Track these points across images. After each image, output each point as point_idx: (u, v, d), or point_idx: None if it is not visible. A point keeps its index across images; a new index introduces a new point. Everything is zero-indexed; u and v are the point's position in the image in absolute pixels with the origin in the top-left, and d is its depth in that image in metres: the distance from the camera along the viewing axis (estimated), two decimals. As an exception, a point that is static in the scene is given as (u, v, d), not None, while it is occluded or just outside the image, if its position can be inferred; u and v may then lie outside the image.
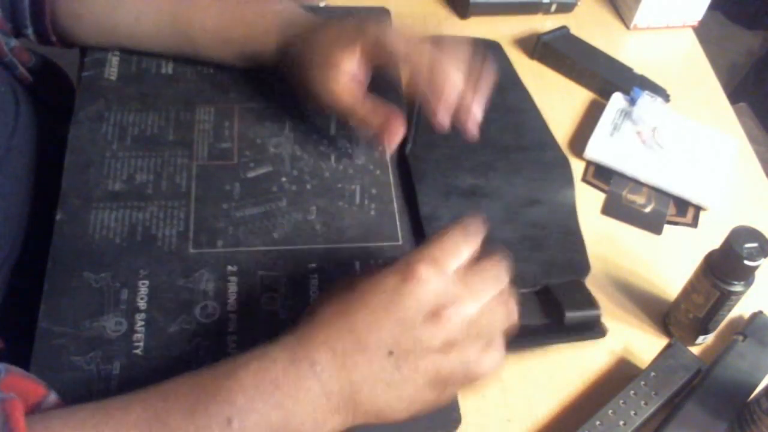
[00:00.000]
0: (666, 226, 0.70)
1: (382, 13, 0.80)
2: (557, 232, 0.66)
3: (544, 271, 0.62)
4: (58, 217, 0.59)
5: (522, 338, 0.56)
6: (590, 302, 0.59)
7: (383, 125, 0.60)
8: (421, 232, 0.63)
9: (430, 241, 0.48)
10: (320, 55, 0.61)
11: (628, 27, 0.87)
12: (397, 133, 0.59)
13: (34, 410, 0.44)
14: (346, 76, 0.60)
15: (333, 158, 0.66)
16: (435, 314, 0.45)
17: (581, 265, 0.64)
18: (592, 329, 0.59)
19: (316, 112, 0.65)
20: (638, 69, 0.80)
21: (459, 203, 0.66)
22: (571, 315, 0.58)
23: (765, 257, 0.54)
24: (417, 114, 0.73)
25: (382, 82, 0.65)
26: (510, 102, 0.76)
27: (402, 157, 0.69)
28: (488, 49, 0.81)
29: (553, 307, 0.59)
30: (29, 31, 0.67)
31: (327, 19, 0.65)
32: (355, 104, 0.60)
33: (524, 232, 0.65)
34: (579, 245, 0.65)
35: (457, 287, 0.46)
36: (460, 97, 0.59)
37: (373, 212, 0.63)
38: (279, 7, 0.66)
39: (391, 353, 0.44)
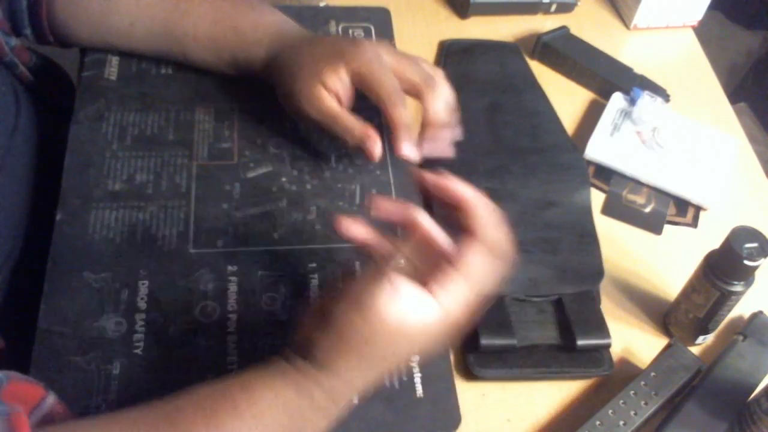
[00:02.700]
0: (666, 226, 0.70)
1: (382, 13, 0.80)
2: (572, 234, 0.66)
3: (558, 277, 0.62)
4: (58, 217, 0.59)
5: (532, 368, 0.58)
6: (602, 329, 0.59)
7: (364, 136, 0.60)
8: None
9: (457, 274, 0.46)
10: (305, 68, 0.61)
11: (628, 27, 0.87)
12: (376, 145, 0.60)
13: (33, 412, 0.44)
14: (328, 91, 0.60)
15: (333, 158, 0.66)
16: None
17: (595, 271, 0.64)
18: (602, 362, 0.59)
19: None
20: (638, 69, 0.80)
21: None
22: (582, 343, 0.58)
23: (765, 257, 0.54)
24: None
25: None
26: (526, 104, 0.76)
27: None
28: (506, 51, 0.81)
29: (565, 326, 0.59)
30: (28, 31, 0.67)
31: (316, 35, 0.65)
32: (337, 115, 0.61)
33: (539, 234, 0.65)
34: (594, 247, 0.65)
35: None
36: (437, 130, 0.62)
37: (373, 212, 0.63)
38: (270, 18, 0.66)
39: (397, 366, 0.49)
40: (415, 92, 0.62)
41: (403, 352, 0.46)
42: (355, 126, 0.60)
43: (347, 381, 0.46)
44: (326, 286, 0.58)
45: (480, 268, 0.45)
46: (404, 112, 0.59)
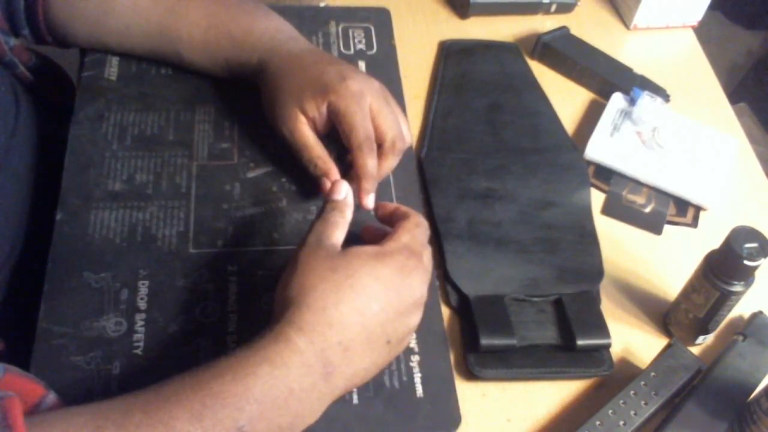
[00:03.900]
0: (666, 226, 0.70)
1: (382, 13, 0.80)
2: (572, 234, 0.66)
3: (558, 277, 0.62)
4: (58, 217, 0.59)
5: (532, 368, 0.58)
6: (602, 329, 0.59)
7: (325, 174, 0.61)
8: (436, 233, 0.64)
9: (401, 229, 0.51)
10: (287, 92, 0.61)
11: (628, 27, 0.87)
12: (335, 188, 0.56)
13: (33, 410, 0.44)
14: (306, 118, 0.61)
15: (333, 158, 0.66)
16: (421, 299, 0.50)
17: (595, 271, 0.64)
18: (602, 362, 0.59)
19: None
20: (638, 69, 0.80)
21: (473, 205, 0.66)
22: (582, 343, 0.58)
23: (765, 257, 0.54)
24: (432, 118, 0.73)
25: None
26: (526, 104, 0.76)
27: (418, 162, 0.69)
28: (506, 51, 0.81)
29: (565, 326, 0.59)
30: (26, 31, 0.67)
31: (308, 50, 0.65)
32: (308, 145, 0.61)
33: (539, 234, 0.65)
34: (593, 247, 0.65)
35: (426, 266, 0.51)
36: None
37: (373, 212, 0.63)
38: (264, 24, 0.66)
39: (389, 342, 0.48)
40: (379, 143, 0.61)
41: (367, 281, 0.47)
42: (321, 160, 0.61)
43: (322, 313, 0.45)
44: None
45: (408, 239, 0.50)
46: (372, 163, 0.59)
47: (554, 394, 0.59)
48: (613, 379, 0.59)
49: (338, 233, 0.50)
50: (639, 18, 0.86)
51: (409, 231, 0.51)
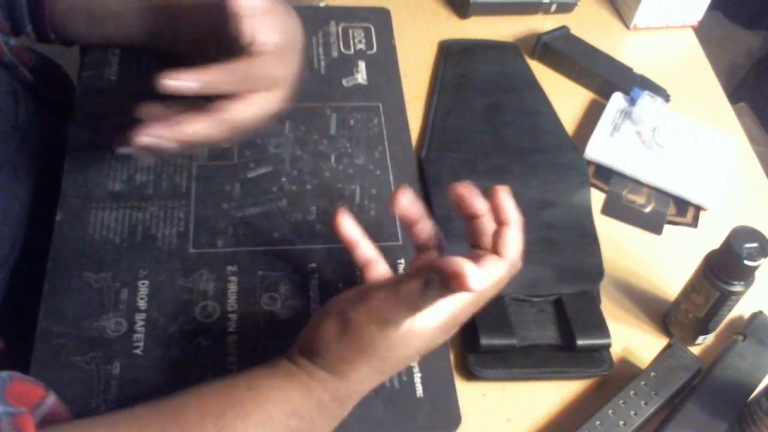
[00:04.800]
0: (666, 226, 0.70)
1: (382, 13, 0.80)
2: (572, 234, 0.66)
3: (558, 277, 0.62)
4: (58, 217, 0.59)
5: (532, 368, 0.58)
6: (602, 329, 0.59)
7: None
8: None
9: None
10: None
11: (628, 27, 0.87)
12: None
13: (33, 411, 0.44)
14: None
15: (333, 158, 0.66)
16: None
17: (595, 271, 0.64)
18: (602, 362, 0.59)
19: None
20: (638, 69, 0.80)
21: None
22: (582, 343, 0.58)
23: (765, 257, 0.54)
24: (432, 118, 0.73)
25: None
26: (526, 104, 0.76)
27: (418, 162, 0.69)
28: (506, 51, 0.81)
29: (565, 326, 0.59)
30: (29, 29, 0.66)
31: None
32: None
33: (539, 234, 0.65)
34: (594, 247, 0.65)
35: None
36: None
37: (373, 212, 0.63)
38: None
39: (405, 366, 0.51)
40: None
41: (412, 354, 0.48)
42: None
43: (356, 385, 0.47)
44: (339, 286, 0.58)
45: (496, 283, 0.47)
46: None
47: (554, 394, 0.59)
48: (613, 379, 0.59)
49: (407, 316, 0.45)
50: (639, 18, 0.86)
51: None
